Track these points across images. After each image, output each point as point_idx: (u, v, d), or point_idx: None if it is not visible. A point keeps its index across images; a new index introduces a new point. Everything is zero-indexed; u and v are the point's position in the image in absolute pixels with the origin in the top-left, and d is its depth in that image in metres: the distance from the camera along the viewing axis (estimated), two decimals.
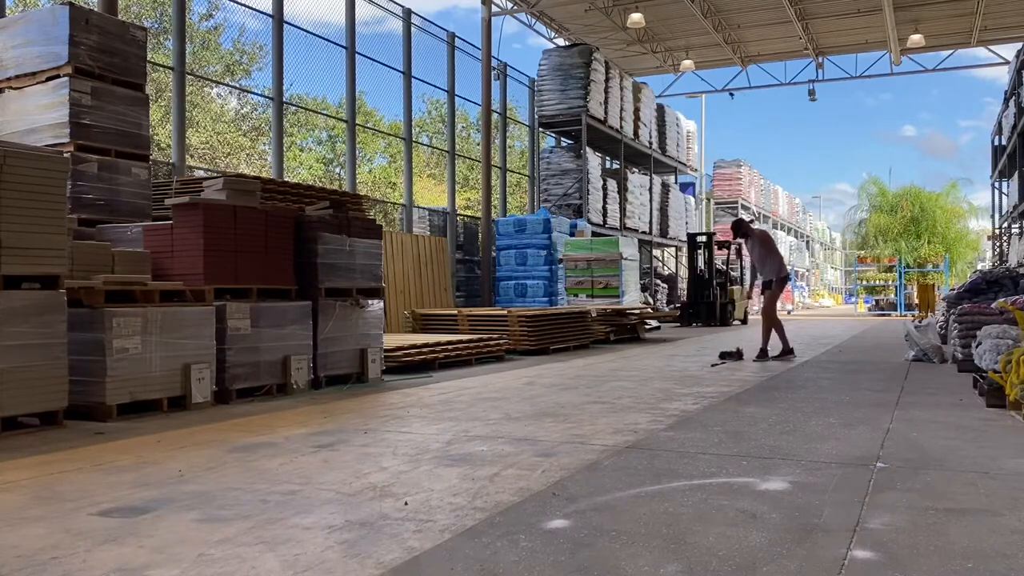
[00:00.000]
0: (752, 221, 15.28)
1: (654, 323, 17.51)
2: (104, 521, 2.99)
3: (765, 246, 9.97)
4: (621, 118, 22.75)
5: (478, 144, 18.91)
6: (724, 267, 21.26)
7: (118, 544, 2.72)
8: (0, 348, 4.78)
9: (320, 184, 18.81)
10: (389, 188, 23.78)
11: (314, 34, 13.99)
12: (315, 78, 15.78)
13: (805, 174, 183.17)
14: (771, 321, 9.89)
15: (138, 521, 2.99)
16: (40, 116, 7.34)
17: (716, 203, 35.17)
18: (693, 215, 29.76)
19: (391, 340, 8.79)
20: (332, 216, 7.47)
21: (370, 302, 7.74)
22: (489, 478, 3.64)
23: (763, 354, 9.69)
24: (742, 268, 23.76)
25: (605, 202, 21.66)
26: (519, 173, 23.00)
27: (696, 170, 31.66)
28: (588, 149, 21.00)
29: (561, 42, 23.00)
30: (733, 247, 22.68)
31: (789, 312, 34.93)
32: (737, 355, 9.73)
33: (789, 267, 50.62)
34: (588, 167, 20.78)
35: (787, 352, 9.80)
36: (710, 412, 5.62)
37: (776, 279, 9.86)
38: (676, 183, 28.81)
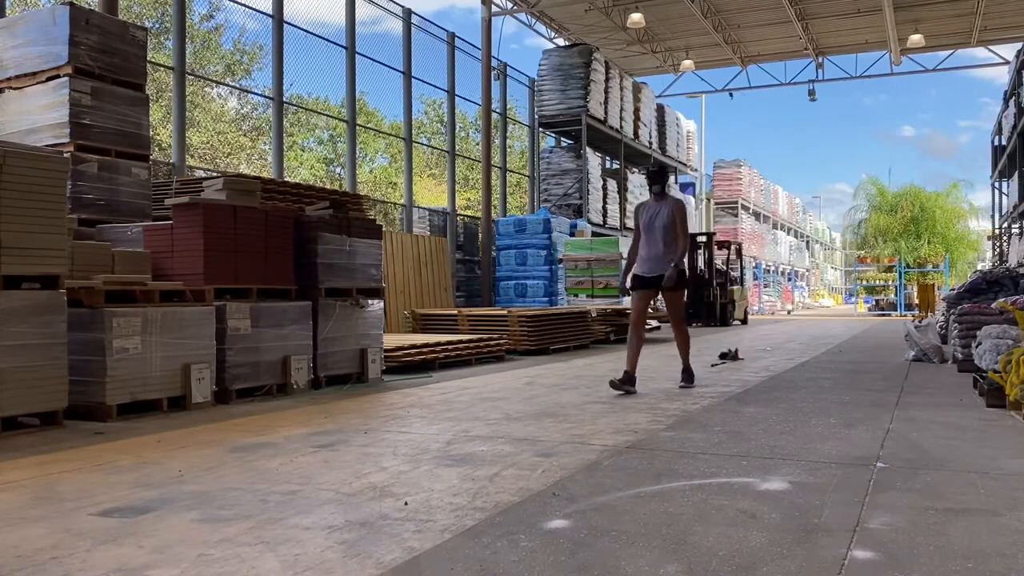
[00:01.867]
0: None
1: (654, 323, 17.51)
2: (104, 521, 2.99)
3: (683, 221, 6.99)
4: (621, 118, 22.75)
5: (478, 144, 18.93)
6: (724, 267, 21.27)
7: (118, 544, 2.72)
8: (0, 348, 4.78)
9: (321, 184, 18.82)
10: (389, 188, 23.79)
11: (314, 34, 14.00)
12: (315, 78, 15.80)
13: (805, 174, 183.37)
14: (685, 331, 7.27)
15: (138, 521, 2.99)
16: (40, 116, 7.33)
17: (716, 203, 35.17)
18: (693, 215, 29.76)
19: (391, 340, 8.78)
20: (332, 216, 7.47)
21: (370, 302, 7.74)
22: (489, 478, 3.64)
23: (688, 374, 7.22)
24: (742, 268, 23.76)
25: (605, 202, 21.67)
26: (519, 173, 23.00)
27: (696, 170, 31.65)
28: (588, 149, 21.00)
29: (561, 42, 22.99)
30: (733, 247, 22.69)
31: (789, 312, 34.97)
32: (733, 356, 9.72)
33: (788, 267, 49.87)
34: (588, 167, 20.78)
35: (627, 382, 6.70)
36: (710, 412, 5.62)
37: (687, 272, 7.28)
38: (676, 183, 28.81)
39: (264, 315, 6.60)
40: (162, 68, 12.80)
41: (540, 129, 22.48)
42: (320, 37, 14.19)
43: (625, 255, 17.83)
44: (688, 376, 7.16)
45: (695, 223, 29.79)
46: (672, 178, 5.99)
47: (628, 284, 7.14)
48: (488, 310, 12.55)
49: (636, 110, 24.15)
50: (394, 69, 16.30)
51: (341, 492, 3.41)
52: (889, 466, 3.85)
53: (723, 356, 9.75)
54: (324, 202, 7.82)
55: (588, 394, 6.66)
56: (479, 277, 18.47)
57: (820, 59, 25.85)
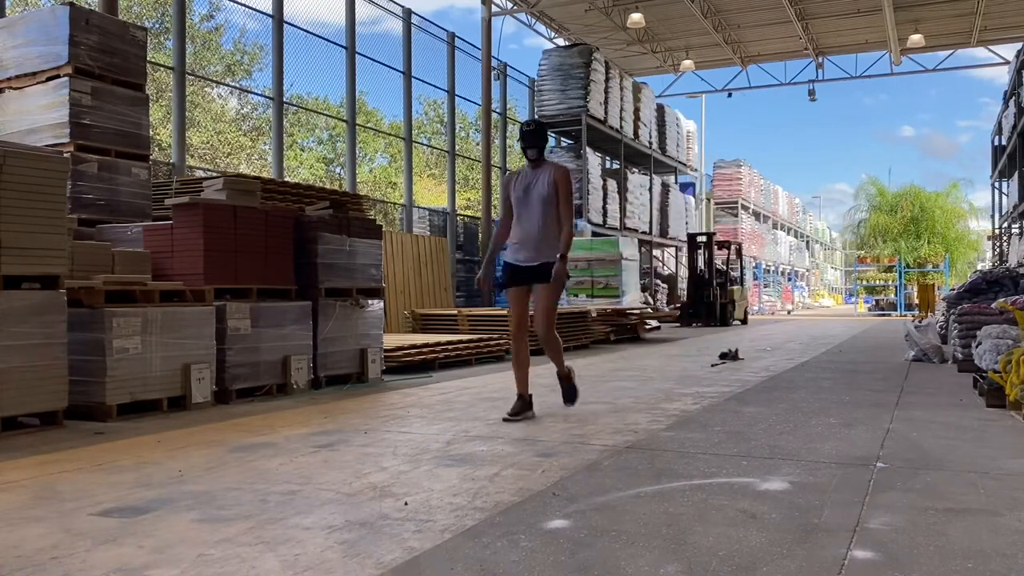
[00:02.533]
0: None
1: (654, 323, 17.51)
2: (104, 521, 2.99)
3: (568, 193, 5.41)
4: (621, 118, 22.75)
5: (478, 144, 18.95)
6: (724, 267, 21.27)
7: (118, 544, 2.72)
8: (0, 348, 4.78)
9: (321, 184, 18.83)
10: (389, 188, 23.78)
11: (314, 34, 14.00)
12: (315, 78, 15.82)
13: (805, 174, 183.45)
14: (558, 339, 5.70)
15: (138, 521, 2.99)
16: (40, 116, 7.34)
17: (716, 203, 35.17)
18: (693, 215, 29.75)
19: (391, 340, 8.78)
20: (332, 216, 7.47)
21: (370, 302, 7.74)
22: (489, 478, 3.64)
23: (571, 389, 5.77)
24: (742, 268, 23.74)
25: (605, 202, 21.67)
26: None
27: (696, 170, 31.65)
28: (588, 149, 21.00)
29: (561, 42, 23.00)
30: (733, 247, 22.68)
31: (789, 312, 34.96)
32: (734, 356, 9.72)
33: (788, 267, 49.84)
34: (588, 167, 20.78)
35: (524, 409, 5.44)
36: (710, 412, 5.62)
37: (561, 261, 5.31)
38: (676, 183, 28.80)
39: (264, 315, 6.59)
40: (162, 68, 12.80)
41: None
42: (320, 37, 14.20)
43: (625, 255, 17.94)
44: (571, 391, 5.70)
45: (695, 223, 29.76)
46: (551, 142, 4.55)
47: (499, 277, 5.40)
48: (488, 310, 12.54)
49: (636, 110, 24.14)
50: (394, 69, 16.30)
51: (341, 492, 3.41)
52: (889, 466, 3.85)
53: (723, 356, 9.76)
54: (324, 202, 7.82)
55: (587, 394, 6.65)
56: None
57: (820, 59, 25.85)
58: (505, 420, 5.26)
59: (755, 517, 2.99)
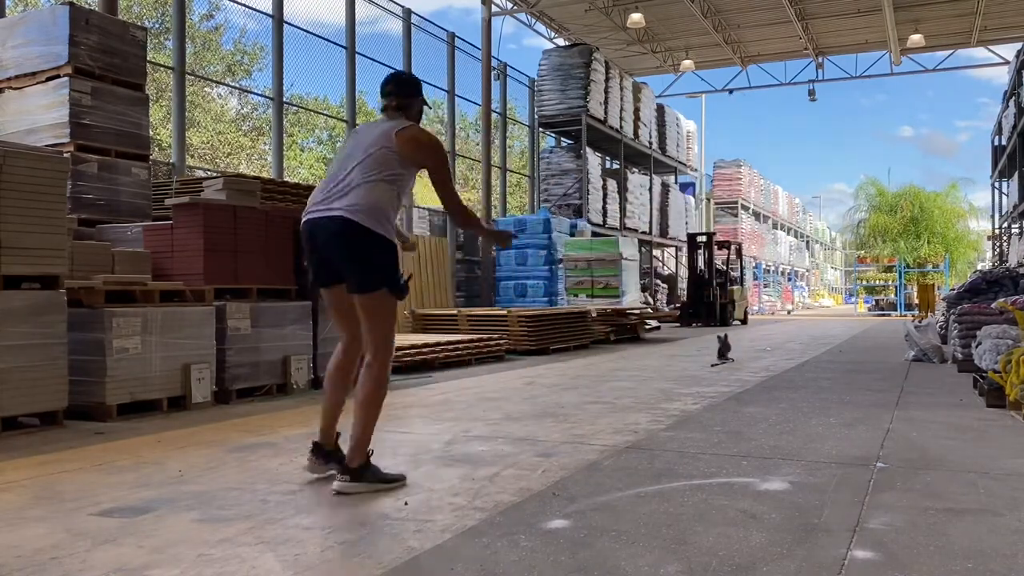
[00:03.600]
0: None
1: (654, 323, 17.51)
2: (104, 521, 2.99)
3: (441, 169, 3.77)
4: (621, 118, 22.75)
5: (478, 144, 18.96)
6: (724, 267, 21.27)
7: (118, 544, 2.72)
8: (0, 348, 4.78)
9: None
10: None
11: (314, 34, 14.00)
12: (315, 78, 15.81)
13: (805, 174, 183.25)
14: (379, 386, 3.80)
15: (138, 521, 2.99)
16: (40, 116, 7.33)
17: (716, 203, 35.17)
18: (693, 215, 29.75)
19: None
20: None
21: None
22: (489, 478, 3.64)
23: (364, 468, 3.44)
24: (742, 268, 23.74)
25: (605, 202, 21.67)
26: (519, 173, 22.99)
27: (696, 170, 31.66)
28: (588, 149, 21.00)
29: (561, 42, 23.00)
30: (733, 247, 22.69)
31: (789, 312, 34.96)
32: (725, 347, 9.67)
33: (788, 267, 49.80)
34: (588, 167, 20.78)
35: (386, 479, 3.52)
36: (710, 412, 5.62)
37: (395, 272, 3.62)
38: (676, 183, 28.80)
39: (264, 315, 6.59)
40: (162, 68, 12.80)
41: (540, 129, 22.48)
42: (320, 37, 14.20)
43: (625, 255, 17.95)
44: (357, 470, 3.43)
45: (695, 223, 29.74)
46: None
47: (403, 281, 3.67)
48: (488, 310, 12.54)
49: (636, 110, 24.14)
50: (394, 69, 16.29)
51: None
52: (889, 466, 3.85)
53: (722, 357, 9.73)
54: None
55: (588, 394, 6.65)
56: (479, 277, 18.47)
57: (820, 59, 25.85)
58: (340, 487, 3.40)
59: (755, 517, 3.00)
